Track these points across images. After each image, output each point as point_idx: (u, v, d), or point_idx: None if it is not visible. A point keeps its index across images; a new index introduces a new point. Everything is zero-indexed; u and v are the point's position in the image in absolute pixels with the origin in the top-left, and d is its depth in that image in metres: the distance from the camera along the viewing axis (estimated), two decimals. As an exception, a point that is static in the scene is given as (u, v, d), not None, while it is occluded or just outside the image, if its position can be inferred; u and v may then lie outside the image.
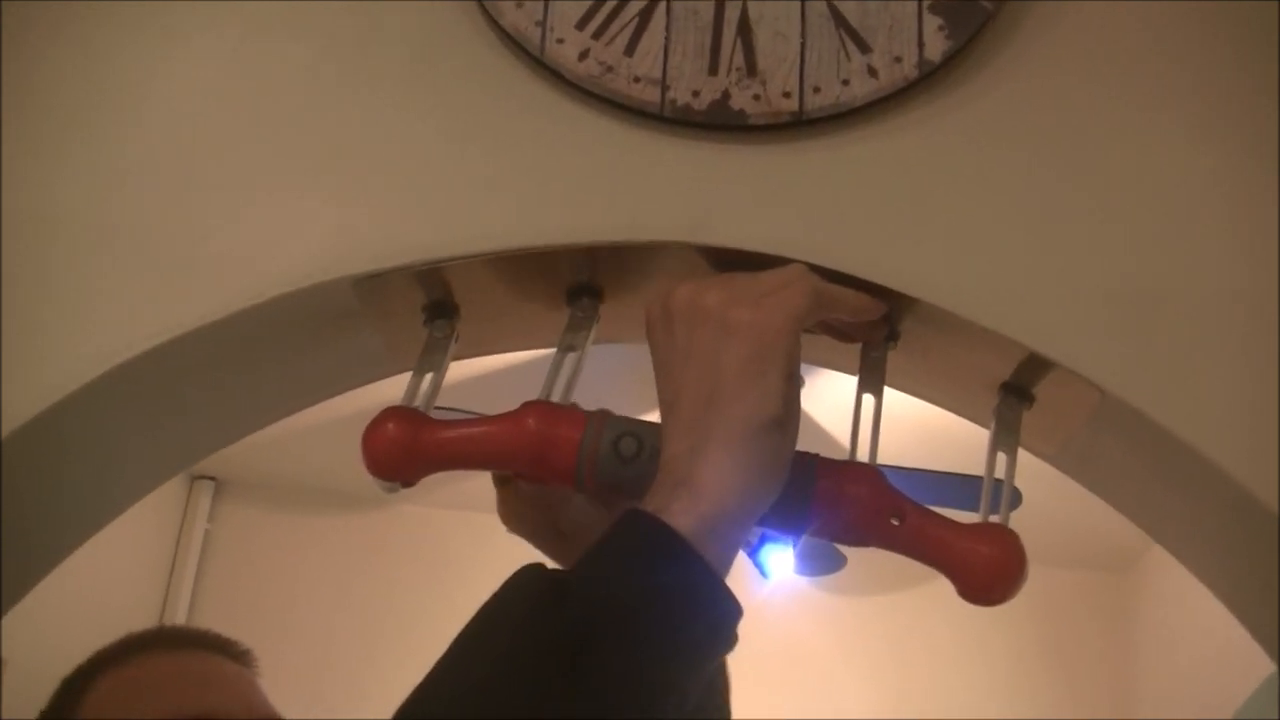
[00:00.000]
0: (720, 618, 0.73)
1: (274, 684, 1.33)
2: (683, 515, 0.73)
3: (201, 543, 3.96)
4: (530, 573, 0.74)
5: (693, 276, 0.91)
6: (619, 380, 1.56)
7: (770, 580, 3.45)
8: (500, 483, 0.99)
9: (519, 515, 1.00)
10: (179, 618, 3.81)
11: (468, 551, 3.45)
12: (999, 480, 0.91)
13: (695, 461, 0.75)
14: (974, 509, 0.89)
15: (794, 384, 0.80)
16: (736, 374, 0.78)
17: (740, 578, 3.46)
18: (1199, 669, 3.41)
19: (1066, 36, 0.97)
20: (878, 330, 0.92)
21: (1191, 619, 3.42)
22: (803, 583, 3.74)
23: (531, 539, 1.00)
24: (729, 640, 0.73)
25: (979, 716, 3.83)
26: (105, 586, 3.22)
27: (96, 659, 1.24)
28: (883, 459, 0.90)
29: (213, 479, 4.00)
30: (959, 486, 2.56)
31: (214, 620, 3.91)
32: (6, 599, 0.95)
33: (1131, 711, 3.93)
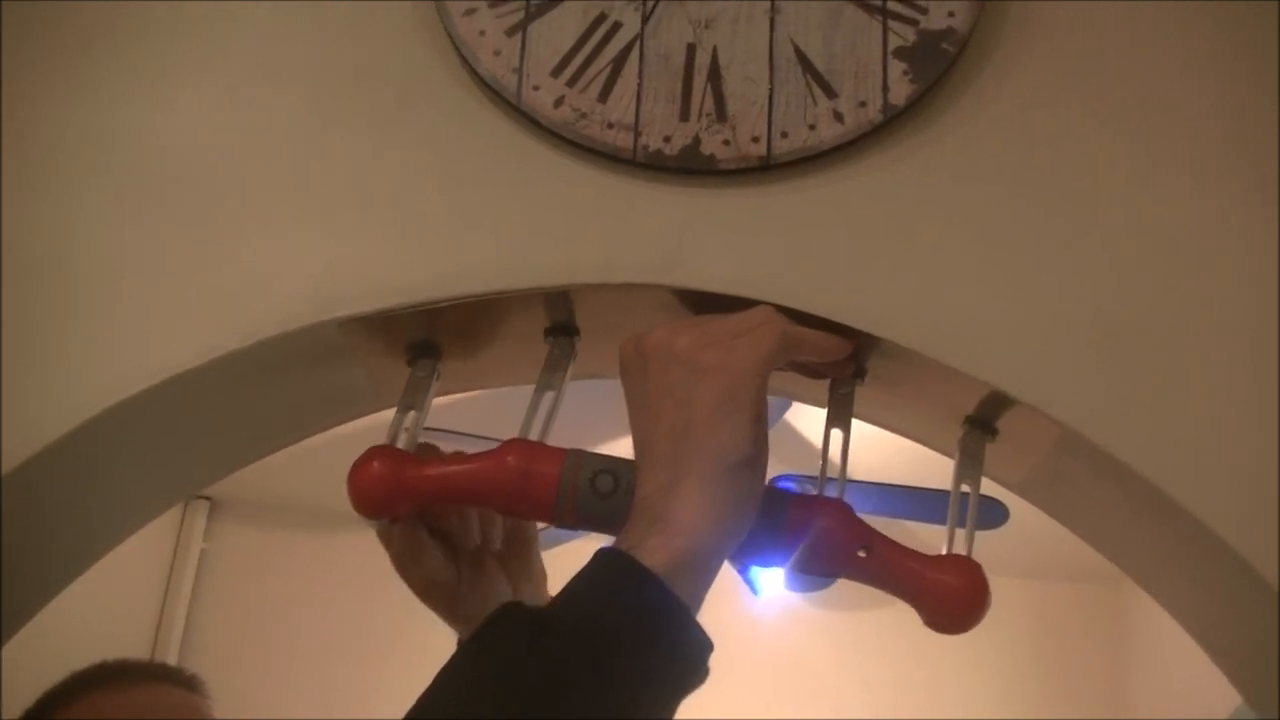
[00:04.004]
0: (692, 652, 0.75)
1: (272, 702, 1.35)
2: (657, 551, 0.75)
3: (197, 562, 3.99)
4: (511, 610, 0.76)
5: (666, 316, 0.94)
6: (591, 411, 1.58)
7: (761, 596, 3.48)
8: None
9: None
10: (174, 639, 3.83)
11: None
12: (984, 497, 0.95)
13: (669, 499, 0.78)
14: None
15: (763, 424, 0.83)
16: (708, 414, 0.80)
17: (732, 594, 3.50)
18: (1192, 681, 3.42)
19: (1026, 78, 1.00)
20: (845, 367, 0.94)
21: (1184, 632, 3.43)
22: (794, 598, 3.76)
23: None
24: (701, 673, 0.76)
25: (976, 712, 3.85)
26: (100, 609, 3.23)
27: (46, 700, 1.27)
28: (870, 475, 0.93)
29: (208, 499, 4.02)
30: (939, 502, 2.58)
31: (211, 640, 3.92)
32: (10, 627, 0.98)
33: (1126, 704, 3.95)
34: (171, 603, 3.90)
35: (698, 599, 0.77)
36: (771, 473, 0.88)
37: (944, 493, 0.97)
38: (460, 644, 1.01)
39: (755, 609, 3.62)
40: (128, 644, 3.57)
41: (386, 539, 0.97)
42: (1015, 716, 3.92)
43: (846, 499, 0.91)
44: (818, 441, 0.96)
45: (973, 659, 3.92)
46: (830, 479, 0.92)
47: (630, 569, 0.75)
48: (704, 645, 0.76)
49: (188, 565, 3.95)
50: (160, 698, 1.28)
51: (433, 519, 0.99)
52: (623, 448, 0.87)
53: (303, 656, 3.83)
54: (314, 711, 3.59)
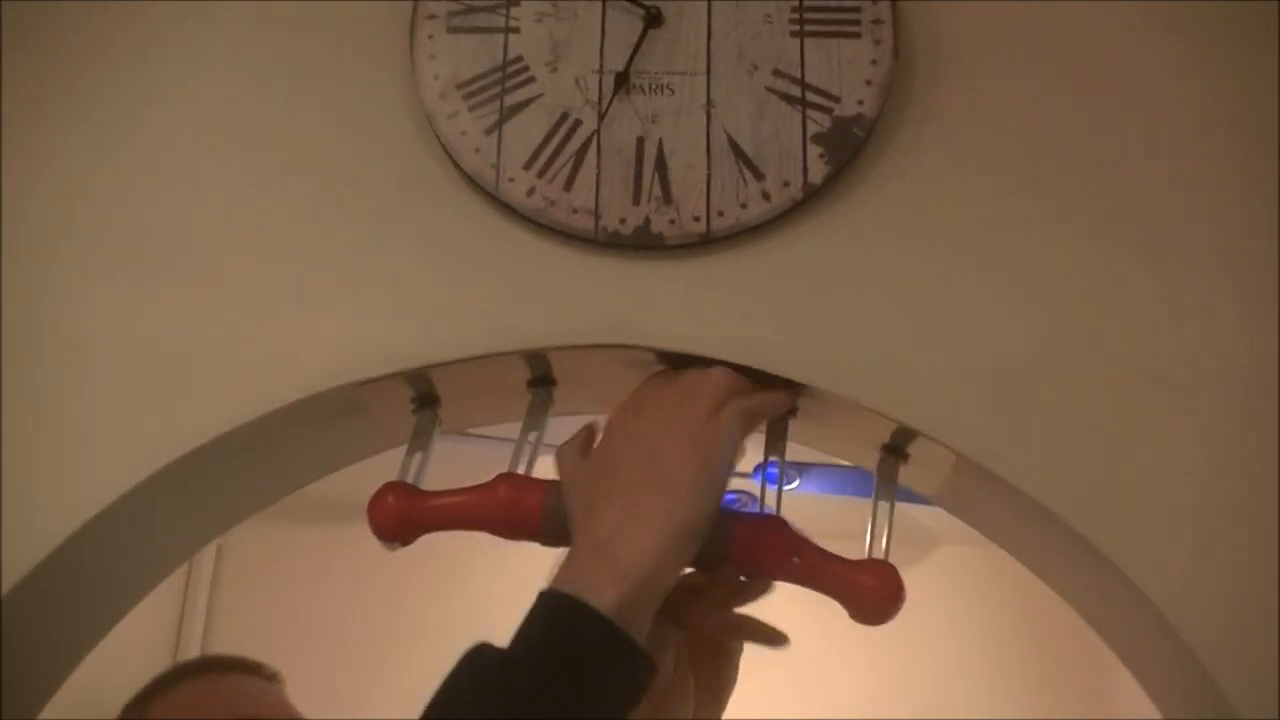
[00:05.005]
0: (636, 673, 0.91)
1: (295, 694, 1.55)
2: (607, 591, 0.90)
3: (215, 557, 4.14)
4: (480, 652, 0.90)
5: (627, 369, 1.12)
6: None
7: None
8: None
9: None
10: (195, 632, 3.98)
11: (478, 564, 3.63)
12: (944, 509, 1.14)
13: (623, 542, 0.94)
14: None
15: (719, 494, 1.00)
16: (687, 487, 0.97)
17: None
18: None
19: (926, 155, 1.17)
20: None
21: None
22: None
23: None
24: (645, 689, 0.91)
25: (958, 702, 4.01)
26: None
27: (149, 688, 1.46)
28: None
29: (223, 497, 4.15)
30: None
31: (229, 630, 4.04)
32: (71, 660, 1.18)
33: (1108, 697, 4.08)
34: (192, 598, 4.05)
35: (644, 626, 0.92)
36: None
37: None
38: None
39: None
40: (148, 637, 3.73)
41: None
42: (998, 688, 4.07)
43: (808, 483, 1.10)
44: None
45: (956, 633, 4.04)
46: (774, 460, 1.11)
47: (580, 614, 0.89)
48: (645, 666, 0.91)
49: (205, 560, 4.10)
50: (244, 687, 1.49)
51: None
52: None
53: (318, 647, 3.98)
54: (331, 699, 3.75)
